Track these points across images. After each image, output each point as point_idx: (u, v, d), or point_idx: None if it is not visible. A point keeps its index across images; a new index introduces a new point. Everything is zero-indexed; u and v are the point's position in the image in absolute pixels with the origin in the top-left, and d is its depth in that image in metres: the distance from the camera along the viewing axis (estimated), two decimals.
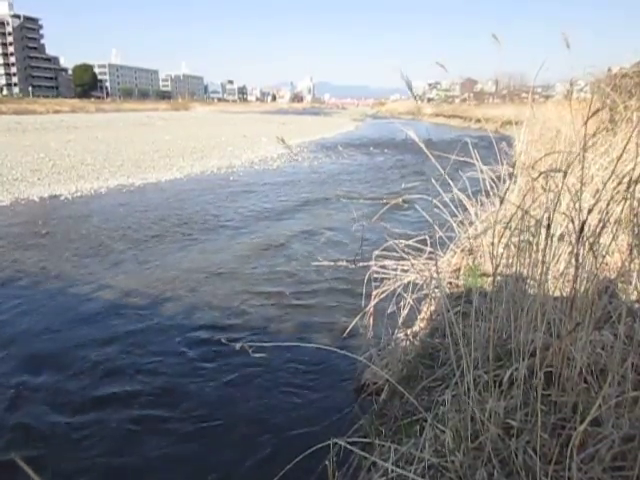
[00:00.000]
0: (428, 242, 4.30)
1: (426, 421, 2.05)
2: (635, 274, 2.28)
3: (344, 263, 5.27)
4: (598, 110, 1.82)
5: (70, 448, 3.76)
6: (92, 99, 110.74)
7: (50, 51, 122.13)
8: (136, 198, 13.71)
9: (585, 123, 1.89)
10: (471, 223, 4.79)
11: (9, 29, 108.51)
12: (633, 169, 1.98)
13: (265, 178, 17.60)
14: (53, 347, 5.31)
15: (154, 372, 4.84)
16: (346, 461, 2.42)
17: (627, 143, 1.97)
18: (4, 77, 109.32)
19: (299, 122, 59.10)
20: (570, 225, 2.11)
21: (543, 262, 2.17)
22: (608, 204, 1.98)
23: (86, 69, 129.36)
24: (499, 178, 4.97)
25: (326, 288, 6.95)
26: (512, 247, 2.49)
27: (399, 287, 4.12)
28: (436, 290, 3.95)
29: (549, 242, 2.16)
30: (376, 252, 4.38)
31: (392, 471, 1.88)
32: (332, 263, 5.83)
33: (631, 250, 2.06)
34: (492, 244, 2.35)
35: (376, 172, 19.58)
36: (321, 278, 7.27)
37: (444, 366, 2.68)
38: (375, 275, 4.26)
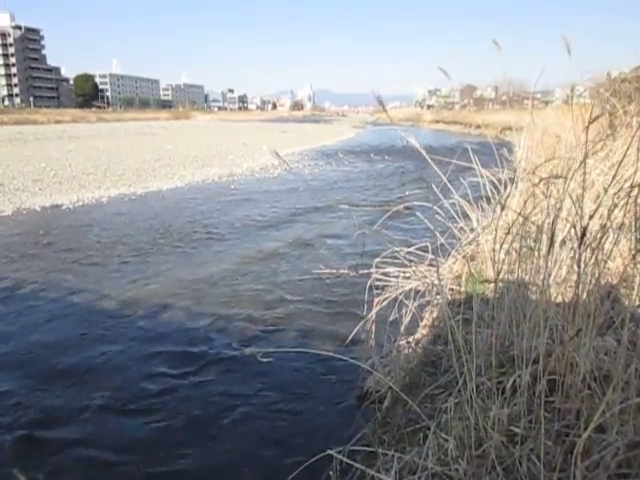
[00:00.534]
0: (429, 249, 4.29)
1: (429, 429, 2.04)
2: (637, 279, 2.27)
3: (345, 271, 5.26)
4: (597, 117, 1.82)
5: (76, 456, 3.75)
6: (93, 109, 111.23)
7: (51, 61, 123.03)
8: (137, 207, 13.73)
9: (586, 128, 1.89)
10: (472, 229, 4.78)
11: (10, 40, 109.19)
12: (634, 173, 1.97)
13: (266, 186, 17.62)
14: (56, 355, 5.30)
15: (156, 378, 4.82)
16: (349, 470, 2.41)
17: (628, 148, 1.96)
18: (6, 88, 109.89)
19: (300, 130, 59.26)
20: (572, 231, 2.11)
21: (545, 268, 2.17)
22: (609, 209, 1.98)
23: (87, 79, 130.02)
24: (500, 184, 4.96)
25: (327, 296, 6.94)
26: (514, 253, 2.49)
27: (401, 294, 4.10)
28: (438, 297, 3.94)
29: (551, 248, 2.15)
30: (377, 259, 4.37)
31: None
32: (333, 271, 5.82)
33: (633, 255, 2.06)
34: (493, 250, 2.35)
35: (377, 179, 19.60)
36: (322, 286, 7.25)
37: (447, 373, 2.66)
38: (376, 282, 4.25)
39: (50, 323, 6.14)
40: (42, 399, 4.50)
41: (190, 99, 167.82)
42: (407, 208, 4.96)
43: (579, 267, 1.89)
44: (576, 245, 1.90)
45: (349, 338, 4.15)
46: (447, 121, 71.04)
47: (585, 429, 1.57)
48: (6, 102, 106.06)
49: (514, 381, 1.89)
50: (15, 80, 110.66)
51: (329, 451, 1.95)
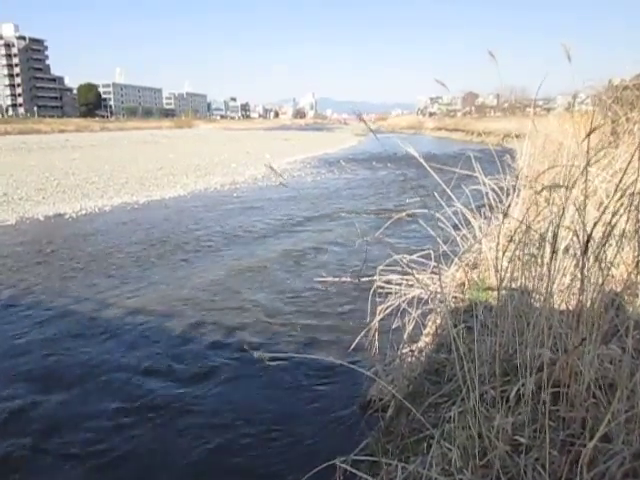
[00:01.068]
0: (432, 256, 4.28)
1: (433, 438, 2.02)
2: None
3: (348, 279, 5.26)
4: (596, 128, 1.82)
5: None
6: (96, 118, 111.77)
7: (55, 71, 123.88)
8: (140, 216, 13.76)
9: (586, 136, 1.89)
10: (475, 237, 4.77)
11: (15, 50, 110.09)
12: (636, 180, 1.97)
13: (268, 194, 17.65)
14: (58, 364, 5.30)
15: (157, 386, 4.81)
16: None
17: (632, 157, 1.96)
18: (10, 98, 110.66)
19: (302, 138, 59.45)
20: (575, 238, 2.10)
21: (548, 276, 2.16)
22: (612, 216, 1.97)
23: (90, 88, 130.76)
24: (502, 191, 4.96)
25: (330, 304, 6.92)
26: (517, 261, 2.48)
27: (404, 302, 4.09)
28: (441, 305, 3.92)
29: (554, 256, 2.15)
30: (380, 267, 4.36)
31: None
32: (336, 279, 5.81)
33: (637, 262, 2.05)
34: (496, 258, 2.34)
35: (379, 187, 19.61)
36: (325, 293, 7.24)
37: (450, 382, 2.65)
38: (379, 290, 4.24)
39: (51, 331, 6.13)
40: (42, 405, 4.50)
41: (193, 108, 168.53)
42: (409, 215, 4.96)
43: (583, 275, 1.88)
44: (579, 252, 1.90)
45: (352, 346, 4.14)
46: (449, 128, 71.22)
47: (591, 438, 1.56)
48: (10, 112, 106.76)
49: (518, 390, 1.88)
50: (19, 90, 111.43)
51: (336, 460, 1.93)
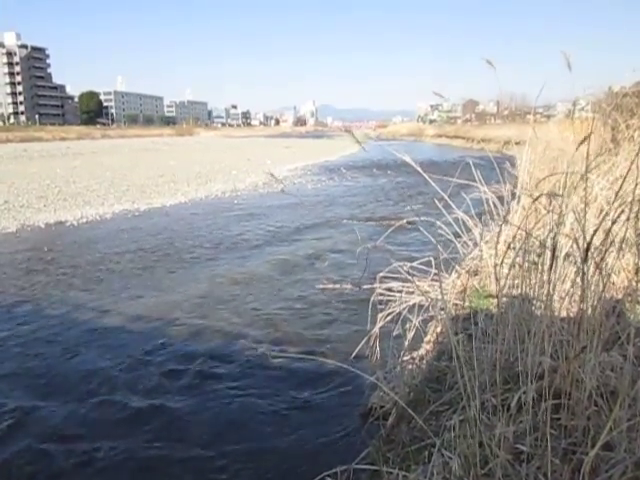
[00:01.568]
0: (433, 263, 4.28)
1: (434, 447, 2.01)
2: None
3: (349, 286, 5.25)
4: (591, 133, 1.82)
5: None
6: (98, 126, 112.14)
7: (57, 79, 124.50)
8: (141, 223, 13.77)
9: (582, 142, 1.89)
10: (475, 244, 4.77)
11: (16, 59, 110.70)
12: (636, 187, 1.97)
13: (269, 201, 17.67)
14: (60, 372, 5.29)
15: (159, 391, 4.79)
16: None
17: (632, 164, 1.96)
18: (11, 106, 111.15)
19: (303, 145, 59.62)
20: (575, 245, 2.10)
21: (548, 283, 2.16)
22: (613, 223, 1.97)
23: (92, 96, 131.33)
24: (503, 198, 4.96)
25: (331, 311, 6.91)
26: (517, 268, 2.48)
27: (404, 309, 4.09)
28: (442, 312, 3.91)
29: (554, 263, 2.14)
30: (381, 274, 4.36)
31: None
32: (337, 286, 5.80)
33: (637, 270, 2.05)
34: (496, 265, 2.34)
35: (379, 194, 19.63)
36: (326, 301, 7.23)
37: (451, 390, 2.63)
38: (380, 297, 4.24)
39: (52, 338, 6.12)
40: (41, 413, 4.48)
41: (194, 115, 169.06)
42: (410, 223, 4.96)
43: (583, 282, 1.88)
44: (580, 260, 1.89)
45: (353, 354, 4.13)
46: (449, 136, 71.42)
47: (592, 447, 1.55)
48: (12, 120, 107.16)
49: (519, 398, 1.87)
50: (21, 98, 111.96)
51: (337, 468, 1.92)
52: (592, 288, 1.98)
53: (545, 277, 2.24)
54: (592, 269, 1.95)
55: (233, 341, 6.06)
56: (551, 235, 2.18)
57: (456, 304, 4.21)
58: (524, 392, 1.87)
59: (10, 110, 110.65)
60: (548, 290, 2.16)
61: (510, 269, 2.48)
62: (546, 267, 2.24)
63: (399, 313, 4.10)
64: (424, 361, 3.78)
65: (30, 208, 15.33)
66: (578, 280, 2.06)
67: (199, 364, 5.46)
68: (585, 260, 1.81)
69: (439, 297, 3.72)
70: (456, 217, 4.82)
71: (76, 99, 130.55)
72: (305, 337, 6.15)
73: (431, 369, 3.38)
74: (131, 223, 13.71)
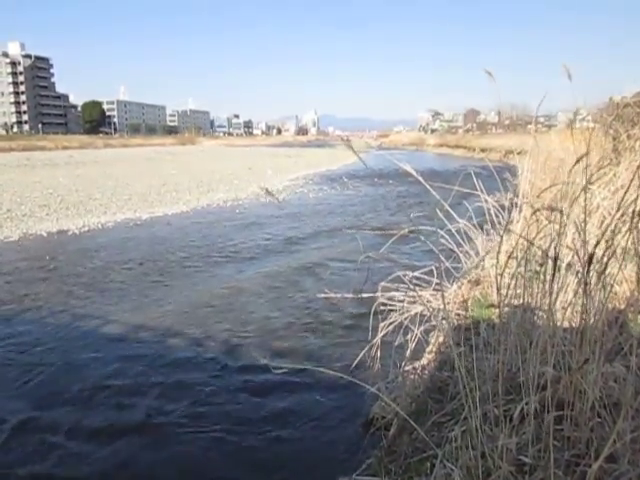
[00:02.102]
0: (434, 273, 4.27)
1: (436, 458, 2.00)
2: None
3: (350, 295, 5.23)
4: (588, 153, 1.83)
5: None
6: (100, 135, 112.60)
7: (60, 89, 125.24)
8: (143, 232, 13.79)
9: (580, 158, 1.89)
10: (477, 253, 4.77)
11: (20, 69, 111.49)
12: (638, 197, 1.97)
13: (271, 210, 17.68)
14: (58, 378, 5.27)
15: (161, 400, 4.78)
16: None
17: (634, 174, 1.96)
18: (15, 115, 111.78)
19: (304, 155, 59.79)
20: (576, 255, 2.09)
21: (550, 293, 2.15)
22: (614, 234, 1.97)
23: (95, 106, 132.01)
24: (504, 208, 4.96)
25: (332, 320, 6.90)
26: (519, 278, 2.47)
27: (406, 319, 4.08)
28: (443, 322, 3.90)
29: (556, 272, 2.14)
30: (382, 283, 4.35)
31: None
32: (338, 295, 5.78)
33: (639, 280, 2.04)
34: (498, 275, 2.33)
35: (381, 203, 19.64)
36: (327, 310, 7.22)
37: (454, 400, 2.62)
38: (382, 307, 4.23)
39: (52, 346, 6.12)
40: (40, 419, 4.47)
41: (196, 125, 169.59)
42: (412, 232, 4.95)
43: (586, 292, 1.88)
44: (581, 270, 1.89)
45: (354, 364, 4.11)
46: (451, 145, 71.62)
47: (596, 459, 1.54)
48: (15, 129, 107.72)
49: (522, 409, 1.86)
50: (24, 107, 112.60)
51: None
52: (594, 298, 1.98)
53: (547, 287, 2.23)
54: (594, 279, 1.94)
55: (234, 351, 6.05)
56: (553, 245, 2.17)
57: (458, 314, 4.20)
58: (526, 403, 1.86)
59: (14, 119, 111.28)
60: (550, 300, 2.15)
61: (512, 279, 2.48)
62: (548, 277, 2.23)
63: (401, 323, 4.09)
64: (426, 371, 3.77)
65: (32, 217, 15.37)
66: (580, 290, 2.05)
67: (199, 374, 5.44)
68: (587, 271, 1.81)
69: (441, 307, 3.71)
70: (458, 226, 4.82)
71: (79, 108, 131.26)
72: (306, 346, 6.14)
73: (433, 379, 3.36)
74: (133, 232, 13.73)
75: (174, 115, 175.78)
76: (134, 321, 6.99)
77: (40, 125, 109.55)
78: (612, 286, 2.13)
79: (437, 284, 4.25)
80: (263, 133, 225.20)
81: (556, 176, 4.98)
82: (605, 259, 1.95)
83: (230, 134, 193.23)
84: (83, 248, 11.82)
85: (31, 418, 4.58)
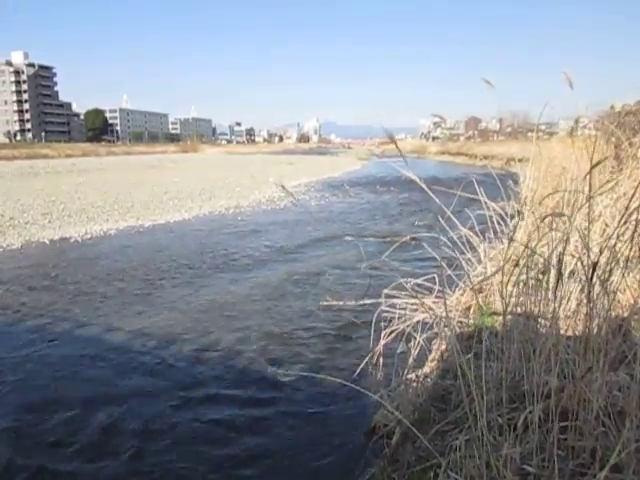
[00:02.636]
0: (437, 280, 4.26)
1: (440, 467, 1.99)
2: None
3: (352, 302, 5.22)
4: (598, 164, 1.83)
5: None
6: (103, 143, 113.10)
7: (63, 97, 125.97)
8: (145, 239, 13.80)
9: (591, 170, 1.89)
10: (479, 261, 4.76)
11: (24, 77, 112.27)
12: None
13: (272, 217, 17.71)
14: (60, 386, 5.26)
15: (164, 409, 4.76)
16: None
17: (638, 185, 1.96)
18: (18, 123, 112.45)
19: (306, 162, 59.93)
20: (579, 263, 2.09)
21: (554, 301, 2.14)
22: (617, 242, 1.97)
23: (97, 114, 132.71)
24: (506, 215, 4.96)
25: (334, 327, 6.88)
26: (522, 285, 2.46)
27: (408, 326, 4.06)
28: (446, 329, 3.89)
29: (559, 280, 2.13)
30: (385, 291, 4.34)
31: None
32: (341, 303, 5.78)
33: None
34: (501, 283, 2.33)
35: (383, 210, 19.68)
36: (329, 317, 7.20)
37: (457, 409, 2.61)
38: (384, 314, 4.22)
39: (54, 354, 6.11)
40: (45, 429, 4.46)
41: (198, 132, 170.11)
42: (413, 239, 4.95)
43: (589, 301, 1.87)
44: (585, 278, 1.88)
45: (357, 371, 4.10)
46: (452, 152, 71.71)
47: (601, 468, 1.53)
48: (18, 137, 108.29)
49: (526, 417, 1.85)
50: (27, 116, 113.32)
51: None
52: (598, 306, 1.97)
53: (550, 295, 2.23)
54: (597, 287, 1.94)
55: (236, 358, 6.03)
56: (556, 253, 2.17)
57: (460, 322, 4.19)
58: (530, 412, 1.85)
59: (17, 127, 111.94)
60: (554, 308, 2.15)
61: (515, 287, 2.47)
62: (551, 285, 2.23)
63: (403, 330, 4.08)
64: (428, 379, 3.75)
65: (35, 225, 15.40)
66: (583, 298, 2.04)
67: (202, 382, 5.43)
68: (591, 279, 1.81)
69: (443, 314, 3.70)
70: (459, 234, 4.81)
71: (82, 117, 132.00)
72: (308, 354, 6.12)
73: (436, 387, 3.35)
74: (135, 240, 13.74)
75: (176, 123, 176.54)
76: (136, 329, 6.98)
77: (43, 133, 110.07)
78: (615, 294, 2.12)
79: (439, 291, 4.24)
80: (265, 140, 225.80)
81: (558, 184, 4.98)
82: (608, 267, 1.95)
83: (232, 142, 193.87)
84: (85, 256, 11.83)
85: (31, 423, 4.57)
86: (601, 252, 1.83)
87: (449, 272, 4.35)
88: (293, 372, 5.54)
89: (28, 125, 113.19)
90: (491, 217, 4.93)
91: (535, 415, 1.83)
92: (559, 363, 2.00)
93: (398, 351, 4.04)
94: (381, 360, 4.03)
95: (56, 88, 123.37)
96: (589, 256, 1.87)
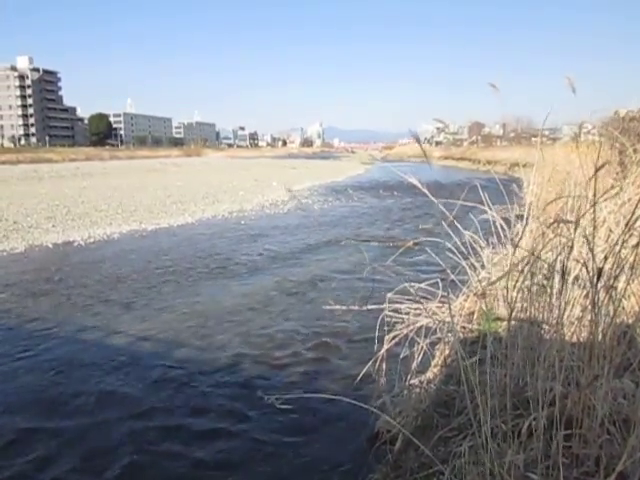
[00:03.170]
0: (440, 285, 4.25)
1: (443, 474, 1.98)
2: None
3: (355, 307, 5.21)
4: (603, 165, 1.82)
5: None
6: (107, 147, 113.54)
7: (67, 102, 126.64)
8: (148, 243, 13.82)
9: (594, 174, 1.89)
10: (483, 266, 4.74)
11: (28, 82, 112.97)
12: None
13: (276, 221, 17.71)
14: (62, 392, 5.26)
15: (165, 418, 4.75)
16: None
17: None
18: (22, 127, 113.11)
19: (309, 166, 59.98)
20: (584, 269, 2.08)
21: (558, 307, 2.14)
22: (622, 248, 1.96)
23: (101, 118, 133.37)
24: (510, 220, 4.95)
25: (337, 332, 6.87)
26: (526, 291, 2.45)
27: (412, 331, 4.05)
28: (450, 335, 3.88)
29: (563, 286, 2.12)
30: (388, 295, 4.33)
31: None
32: (344, 307, 5.77)
33: None
34: (506, 288, 2.32)
35: (386, 215, 19.67)
36: (332, 322, 7.18)
37: (460, 415, 2.59)
38: (387, 319, 4.20)
39: (57, 358, 6.11)
40: (43, 432, 4.45)
41: (202, 137, 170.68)
42: (417, 244, 4.94)
43: (594, 307, 1.86)
44: (589, 284, 1.88)
45: (359, 376, 4.09)
46: (455, 157, 71.74)
47: (606, 477, 1.51)
48: (22, 141, 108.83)
49: (530, 424, 1.84)
50: (32, 120, 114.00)
51: None
52: (603, 313, 1.96)
53: (555, 301, 2.22)
54: (602, 293, 1.93)
55: (239, 362, 6.02)
56: (560, 258, 2.16)
57: (464, 327, 4.18)
58: (535, 418, 1.84)
59: (21, 132, 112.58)
60: (558, 314, 2.14)
61: (519, 292, 2.46)
62: (555, 291, 2.22)
63: (406, 335, 4.06)
64: (432, 385, 3.74)
65: (38, 228, 15.44)
66: (588, 304, 2.03)
67: (203, 388, 5.42)
68: (596, 285, 1.80)
69: (447, 319, 3.70)
70: (463, 239, 4.80)
71: (86, 121, 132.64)
72: (311, 358, 6.11)
73: (439, 393, 3.34)
74: (138, 243, 13.76)
75: (180, 127, 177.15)
76: (138, 333, 6.97)
77: (47, 138, 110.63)
78: (621, 301, 2.11)
79: (443, 296, 4.23)
80: (268, 145, 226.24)
81: (562, 189, 4.97)
82: (613, 273, 1.94)
83: (236, 146, 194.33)
84: (89, 260, 11.84)
85: (30, 429, 4.56)
86: (606, 258, 1.82)
87: (452, 277, 4.34)
88: (294, 380, 5.52)
89: (32, 129, 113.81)
90: (495, 222, 4.92)
91: (539, 422, 1.82)
92: (563, 370, 1.99)
93: (401, 356, 4.03)
94: (384, 365, 4.01)
95: (60, 92, 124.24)
96: (594, 262, 1.87)
